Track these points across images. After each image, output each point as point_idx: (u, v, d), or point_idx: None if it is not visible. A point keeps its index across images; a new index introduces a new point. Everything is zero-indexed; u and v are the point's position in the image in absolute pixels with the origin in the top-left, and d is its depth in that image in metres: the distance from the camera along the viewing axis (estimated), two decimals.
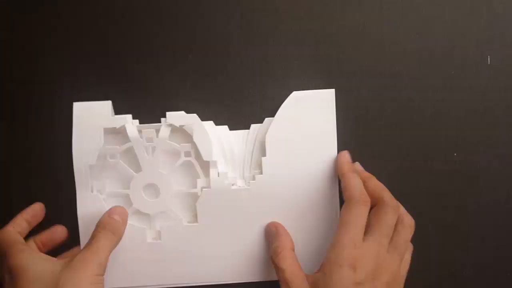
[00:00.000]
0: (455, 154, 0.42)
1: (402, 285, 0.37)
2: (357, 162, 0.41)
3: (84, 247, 0.37)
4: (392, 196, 0.38)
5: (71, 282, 0.34)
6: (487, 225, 0.42)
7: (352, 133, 0.41)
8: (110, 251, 0.37)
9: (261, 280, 0.41)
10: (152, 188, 0.40)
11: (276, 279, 0.37)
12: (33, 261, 0.36)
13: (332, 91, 0.40)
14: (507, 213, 0.42)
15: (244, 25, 0.41)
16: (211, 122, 0.41)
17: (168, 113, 0.39)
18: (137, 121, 0.40)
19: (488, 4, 0.41)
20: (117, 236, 0.38)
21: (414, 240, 0.38)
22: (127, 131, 0.40)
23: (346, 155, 0.40)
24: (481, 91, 0.41)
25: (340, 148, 0.40)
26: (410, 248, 0.38)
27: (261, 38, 0.41)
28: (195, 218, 0.40)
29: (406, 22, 0.41)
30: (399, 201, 0.38)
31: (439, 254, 0.42)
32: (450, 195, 0.42)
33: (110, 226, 0.38)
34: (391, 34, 0.41)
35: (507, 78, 0.41)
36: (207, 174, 0.40)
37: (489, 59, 0.41)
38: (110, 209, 0.39)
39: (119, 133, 0.40)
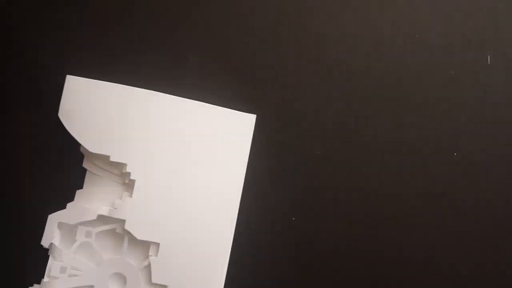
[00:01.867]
0: (455, 154, 0.42)
1: None
2: None
3: None
4: None
5: None
6: (487, 225, 0.42)
7: (352, 133, 0.41)
8: None
9: None
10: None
11: None
12: None
13: (253, 117, 0.39)
14: (507, 213, 0.42)
15: (243, 26, 0.41)
16: None
17: None
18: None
19: (488, 4, 0.41)
20: None
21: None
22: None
23: None
24: (481, 91, 0.41)
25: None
26: None
27: (260, 39, 0.41)
28: None
29: (406, 22, 0.41)
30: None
31: (438, 254, 0.42)
32: (450, 195, 0.42)
33: None
34: (391, 34, 0.41)
35: (507, 78, 0.42)
36: None
37: (489, 59, 0.41)
38: None
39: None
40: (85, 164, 0.39)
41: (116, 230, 0.38)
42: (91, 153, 0.38)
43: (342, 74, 0.41)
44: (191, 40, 0.41)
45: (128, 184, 0.39)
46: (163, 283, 0.38)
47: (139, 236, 0.38)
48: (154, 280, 0.37)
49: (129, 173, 0.38)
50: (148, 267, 0.38)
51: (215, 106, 0.39)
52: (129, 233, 0.38)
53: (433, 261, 0.42)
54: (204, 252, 0.38)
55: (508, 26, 0.41)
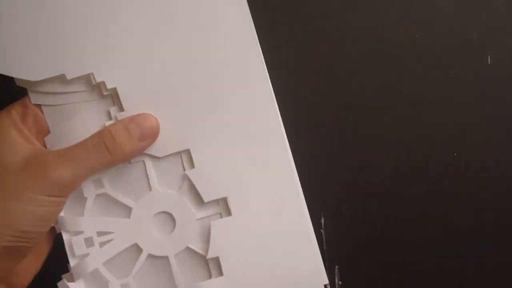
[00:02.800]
0: (455, 154, 0.42)
1: None
2: None
3: (58, 150, 0.27)
4: None
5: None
6: (487, 225, 0.42)
7: (352, 133, 0.41)
8: (86, 175, 0.27)
9: None
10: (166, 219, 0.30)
11: None
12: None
13: None
14: (507, 213, 0.42)
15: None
16: None
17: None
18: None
19: (488, 4, 0.41)
20: (114, 159, 0.27)
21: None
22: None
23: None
24: (481, 91, 0.41)
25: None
26: None
27: (260, 39, 0.41)
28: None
29: (406, 22, 0.41)
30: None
31: (438, 254, 0.42)
32: (450, 195, 0.42)
33: (110, 140, 0.27)
34: (391, 34, 0.41)
35: (507, 78, 0.41)
36: None
37: (489, 59, 0.41)
38: (133, 116, 0.28)
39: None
40: (34, 99, 0.28)
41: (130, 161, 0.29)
42: (35, 82, 0.27)
43: (341, 74, 0.41)
44: None
45: (107, 96, 0.29)
46: (218, 197, 0.28)
47: (160, 152, 0.28)
48: (207, 199, 0.28)
49: (103, 83, 0.28)
50: (191, 189, 0.29)
51: None
52: (146, 155, 0.29)
53: (433, 260, 0.42)
54: (241, 135, 0.29)
55: (508, 26, 0.41)
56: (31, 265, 0.28)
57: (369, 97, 0.41)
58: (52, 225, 0.29)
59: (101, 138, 0.27)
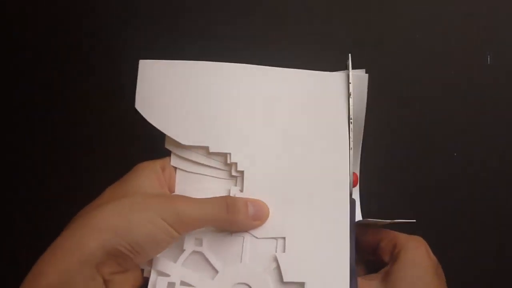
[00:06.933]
0: (455, 154, 0.42)
1: None
2: None
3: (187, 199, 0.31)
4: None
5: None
6: (487, 225, 0.42)
7: None
8: (203, 221, 0.31)
9: None
10: None
11: None
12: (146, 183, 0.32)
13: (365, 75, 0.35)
14: (507, 213, 0.42)
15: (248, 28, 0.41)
16: None
17: None
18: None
19: (488, 4, 0.41)
20: (229, 219, 0.31)
21: None
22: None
23: None
24: (481, 91, 0.41)
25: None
26: None
27: (264, 38, 0.41)
28: None
29: (406, 22, 0.41)
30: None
31: (438, 254, 0.42)
32: (450, 195, 0.42)
33: (231, 203, 0.31)
34: (391, 34, 0.41)
35: (507, 78, 0.42)
36: None
37: (489, 59, 0.41)
38: (253, 199, 0.32)
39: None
40: (174, 162, 0.34)
41: (231, 234, 0.32)
42: (182, 147, 0.33)
43: None
44: None
45: (234, 176, 0.33)
46: (297, 280, 0.31)
47: (260, 234, 0.32)
48: (286, 279, 0.31)
49: (235, 164, 0.33)
50: (276, 269, 0.31)
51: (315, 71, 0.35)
52: (247, 234, 0.32)
53: None
54: (328, 234, 0.32)
55: (508, 26, 0.41)
56: (127, 283, 0.31)
57: (368, 97, 0.41)
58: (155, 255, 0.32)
59: (225, 199, 0.31)
